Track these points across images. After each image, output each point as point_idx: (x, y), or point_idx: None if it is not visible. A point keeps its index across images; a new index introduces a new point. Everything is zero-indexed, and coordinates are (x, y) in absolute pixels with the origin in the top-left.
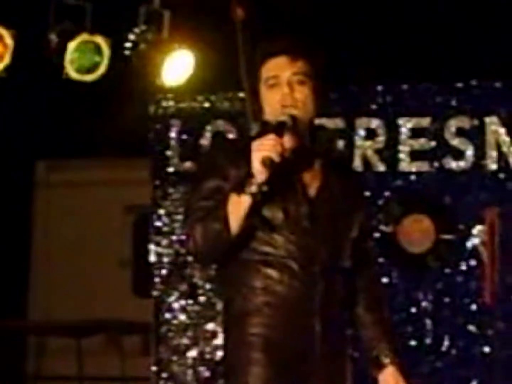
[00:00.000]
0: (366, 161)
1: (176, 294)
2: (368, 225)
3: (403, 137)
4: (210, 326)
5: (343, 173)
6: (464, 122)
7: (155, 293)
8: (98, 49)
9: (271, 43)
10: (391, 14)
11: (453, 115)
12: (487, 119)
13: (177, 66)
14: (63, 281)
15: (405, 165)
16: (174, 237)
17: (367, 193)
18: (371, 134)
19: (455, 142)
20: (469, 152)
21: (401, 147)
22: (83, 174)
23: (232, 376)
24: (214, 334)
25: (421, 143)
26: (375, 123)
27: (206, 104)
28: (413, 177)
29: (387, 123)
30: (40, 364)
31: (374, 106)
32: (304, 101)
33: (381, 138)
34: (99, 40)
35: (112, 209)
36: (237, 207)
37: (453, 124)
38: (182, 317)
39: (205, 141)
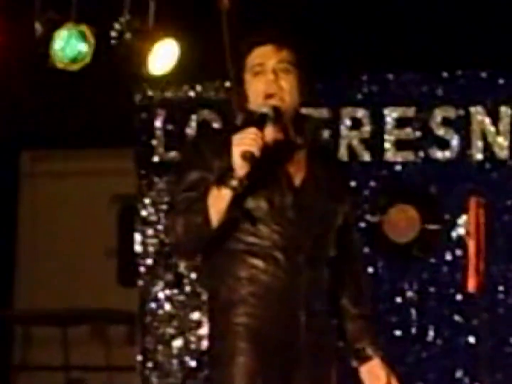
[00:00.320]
0: (351, 151)
1: (161, 284)
2: (353, 215)
3: (388, 127)
4: (196, 315)
5: (328, 163)
6: (450, 112)
7: (140, 282)
8: (83, 39)
9: (257, 33)
10: (377, 4)
11: (439, 105)
12: (473, 109)
13: (163, 55)
14: (49, 271)
15: (391, 155)
16: (159, 227)
17: (353, 183)
18: (356, 123)
19: (441, 132)
20: (455, 142)
21: (386, 137)
22: (68, 164)
23: (217, 366)
24: (199, 324)
25: (407, 133)
26: (360, 112)
27: (192, 94)
28: (398, 167)
29: (373, 112)
30: (26, 353)
31: (359, 96)
32: (289, 90)
33: (366, 128)
34: (84, 29)
35: (97, 199)
36: (218, 201)
37: (438, 114)
38: (168, 306)
39: (190, 130)
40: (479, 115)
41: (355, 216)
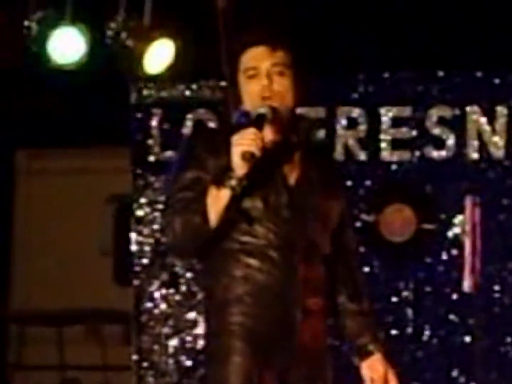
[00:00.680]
0: (347, 150)
1: (157, 283)
2: (348, 214)
3: (384, 126)
4: (191, 315)
5: (323, 162)
6: (446, 111)
7: (136, 282)
8: (79, 38)
9: (250, 33)
10: (372, 3)
11: (435, 104)
12: (468, 108)
13: (158, 55)
14: (45, 270)
15: (386, 154)
16: (155, 226)
17: (349, 182)
18: (352, 123)
19: (436, 131)
20: (450, 141)
21: (382, 136)
22: (64, 163)
23: (213, 365)
24: (195, 323)
25: (403, 132)
26: (356, 112)
27: (188, 93)
28: (394, 167)
29: (369, 112)
30: (21, 353)
31: (355, 95)
32: (283, 93)
33: (362, 127)
34: (80, 28)
35: (93, 198)
36: (217, 201)
37: (434, 113)
38: (163, 306)
39: (186, 129)
40: (475, 115)
41: (351, 215)
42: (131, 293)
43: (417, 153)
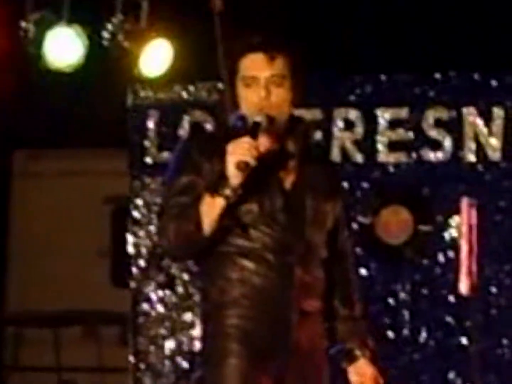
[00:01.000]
0: (344, 152)
1: (153, 285)
2: (344, 217)
3: (381, 128)
4: (188, 316)
5: (319, 164)
6: (442, 113)
7: (132, 283)
8: (75, 39)
9: (249, 37)
10: (370, 5)
11: (431, 106)
12: (465, 110)
13: (155, 56)
14: (41, 271)
15: (383, 156)
16: (152, 228)
17: (345, 184)
18: (349, 125)
19: (433, 133)
20: (447, 143)
21: (379, 138)
22: (62, 164)
23: (209, 367)
24: (191, 325)
25: (399, 134)
26: (353, 114)
27: (184, 95)
28: (391, 168)
29: (365, 114)
30: (17, 354)
31: (352, 97)
32: (280, 103)
33: (359, 129)
34: (77, 30)
35: (90, 199)
36: (211, 209)
37: (431, 115)
38: (160, 307)
39: (183, 131)
40: (471, 116)
41: (347, 218)
42: (128, 295)
43: (414, 155)
